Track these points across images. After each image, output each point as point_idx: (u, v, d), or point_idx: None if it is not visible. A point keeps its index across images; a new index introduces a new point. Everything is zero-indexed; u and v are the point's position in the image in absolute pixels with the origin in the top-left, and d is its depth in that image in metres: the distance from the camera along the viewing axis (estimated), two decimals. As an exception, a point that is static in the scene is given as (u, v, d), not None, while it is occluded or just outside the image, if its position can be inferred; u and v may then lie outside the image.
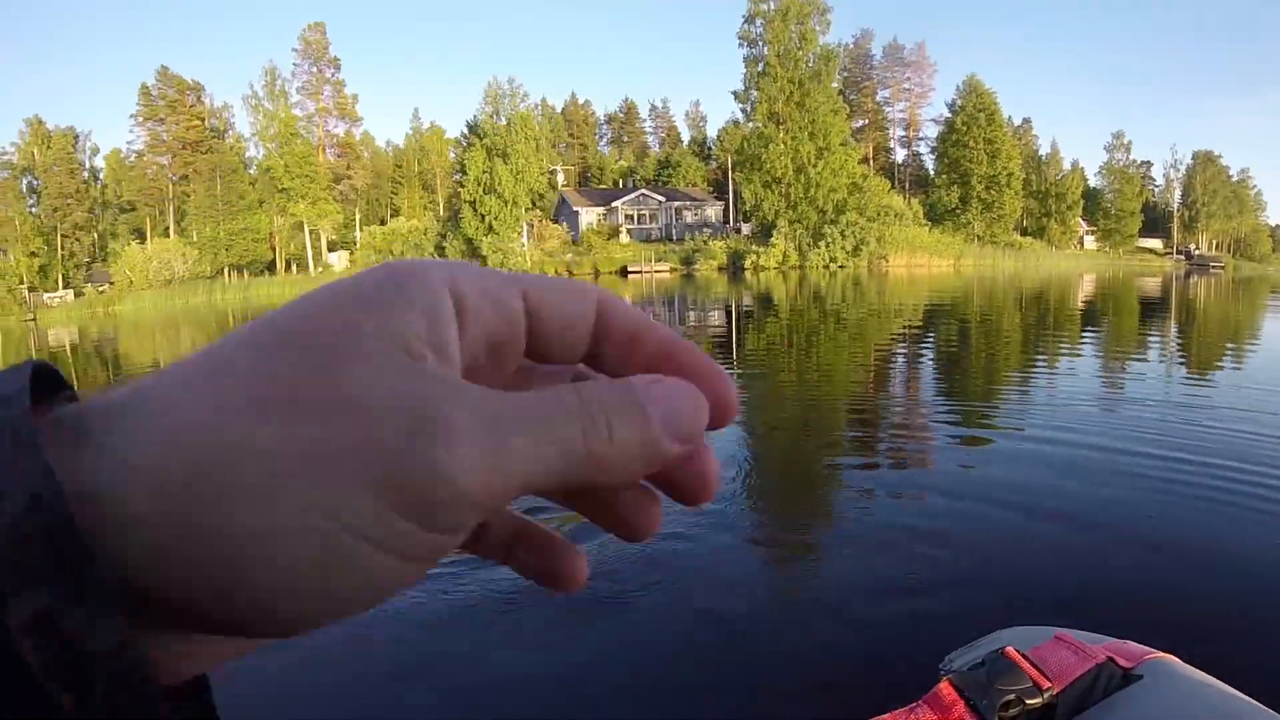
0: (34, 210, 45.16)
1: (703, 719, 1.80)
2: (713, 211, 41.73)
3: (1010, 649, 0.97)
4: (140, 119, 45.40)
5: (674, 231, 40.18)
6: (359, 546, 0.17)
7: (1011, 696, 0.90)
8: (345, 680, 2.00)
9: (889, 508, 3.22)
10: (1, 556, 0.15)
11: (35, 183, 46.17)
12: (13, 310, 36.35)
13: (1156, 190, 55.27)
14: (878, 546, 2.75)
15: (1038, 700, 0.89)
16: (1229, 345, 9.26)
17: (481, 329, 0.20)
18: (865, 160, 42.70)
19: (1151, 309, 14.95)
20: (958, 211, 42.39)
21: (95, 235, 46.41)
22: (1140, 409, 5.06)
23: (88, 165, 48.24)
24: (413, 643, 2.17)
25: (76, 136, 47.71)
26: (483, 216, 36.19)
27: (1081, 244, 48.88)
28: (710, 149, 49.04)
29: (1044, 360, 7.77)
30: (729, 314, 15.49)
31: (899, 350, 9.06)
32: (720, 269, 36.49)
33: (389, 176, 49.47)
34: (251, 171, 43.62)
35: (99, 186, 47.72)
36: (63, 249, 44.53)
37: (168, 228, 44.09)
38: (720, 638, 2.15)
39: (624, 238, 38.63)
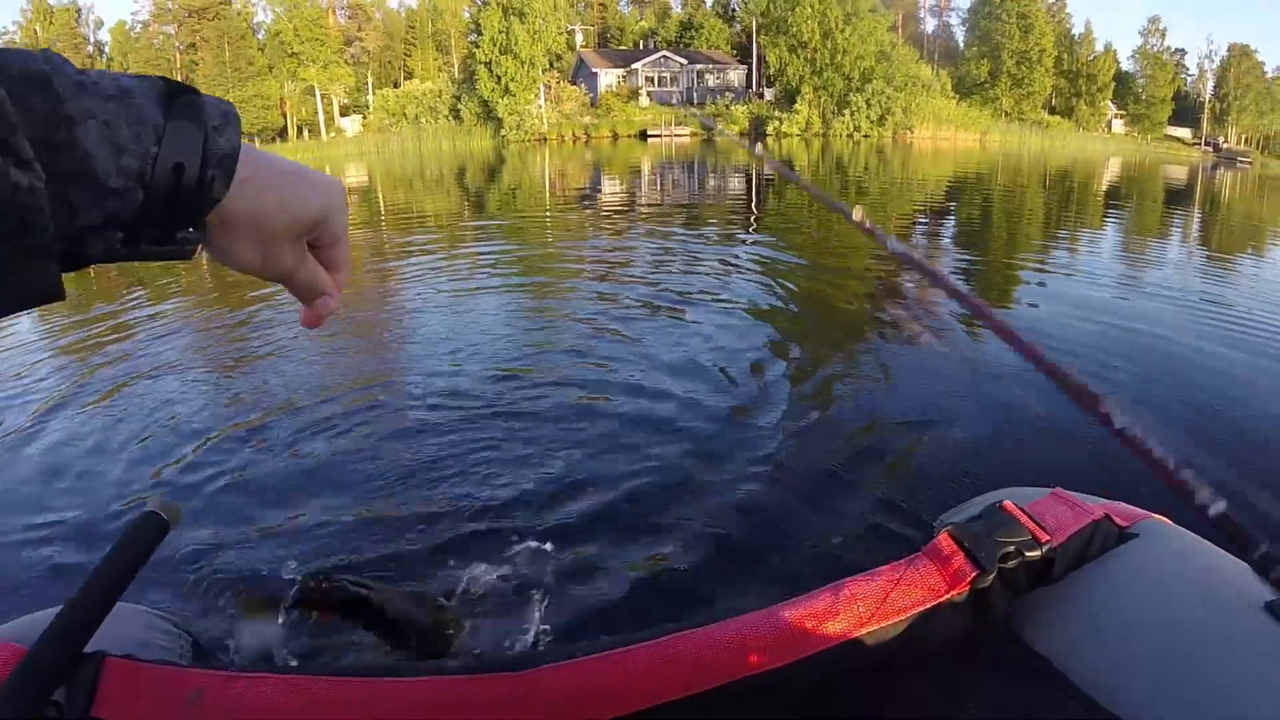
0: (38, 89, 44.17)
1: (694, 575, 1.78)
2: (735, 76, 40.37)
3: (1008, 502, 0.94)
4: (144, -12, 43.95)
5: (695, 95, 39.02)
6: (286, 230, 0.44)
7: (1011, 548, 0.88)
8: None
9: (893, 377, 3.22)
10: (225, 145, 0.39)
11: (38, 60, 45.13)
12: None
13: (1189, 80, 53.28)
14: (876, 414, 2.76)
15: (1036, 553, 0.88)
16: (1251, 239, 9.23)
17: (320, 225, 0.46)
18: (894, 28, 41.12)
19: (1177, 198, 14.73)
20: (986, 86, 41.16)
21: (102, 111, 45.50)
22: (1157, 291, 5.17)
23: (92, 39, 47.02)
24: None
25: (79, 11, 46.40)
26: (499, 78, 35.20)
27: (1110, 128, 47.57)
28: (734, 11, 46.88)
29: (1064, 241, 7.78)
30: (749, 180, 15.08)
31: (919, 222, 8.96)
32: (742, 134, 35.65)
33: (401, 38, 47.79)
34: (260, 37, 42.38)
35: (105, 60, 46.50)
36: (69, 127, 43.74)
37: (176, 98, 43.05)
38: (713, 499, 2.13)
39: (644, 100, 37.49)
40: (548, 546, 1.89)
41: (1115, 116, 47.95)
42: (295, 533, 2.01)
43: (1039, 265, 6.14)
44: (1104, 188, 15.85)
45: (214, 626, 1.61)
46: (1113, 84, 45.44)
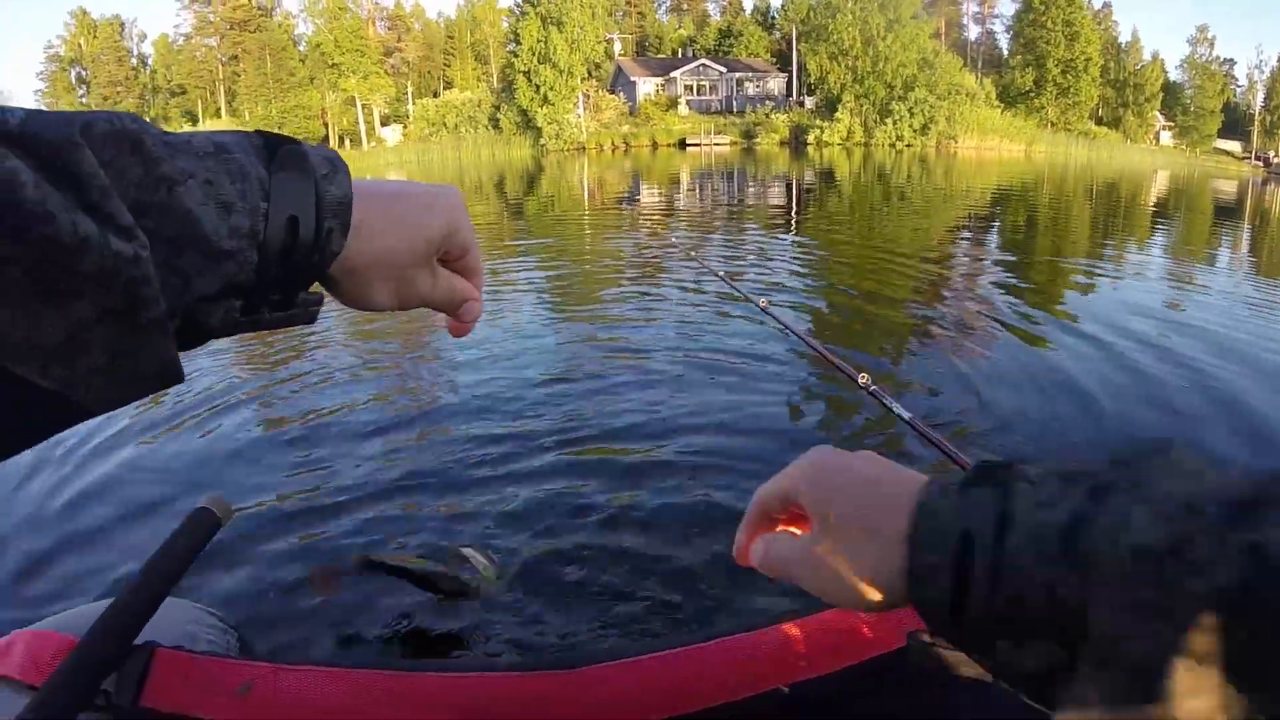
0: (84, 100, 45.22)
1: (742, 580, 1.70)
2: (775, 84, 40.03)
3: None
4: (187, 2, 44.79)
5: (735, 103, 38.69)
6: (414, 261, 0.42)
7: None
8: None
9: (931, 385, 3.10)
10: (338, 200, 0.37)
11: (84, 73, 46.25)
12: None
13: (1238, 91, 52.06)
14: (910, 431, 2.75)
15: None
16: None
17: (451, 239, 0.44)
18: (937, 35, 40.53)
19: (1225, 213, 14.09)
20: (1031, 95, 40.33)
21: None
22: (1204, 311, 4.81)
23: (136, 52, 48.11)
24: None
25: (123, 24, 47.46)
26: (537, 87, 35.18)
27: (1157, 139, 46.49)
28: (774, 18, 46.74)
29: (1110, 255, 7.42)
30: (789, 189, 14.97)
31: (963, 234, 8.71)
32: (782, 143, 35.32)
33: (441, 48, 48.18)
34: (301, 48, 43.04)
35: (148, 72, 47.50)
36: (114, 138, 44.58)
37: (219, 109, 43.77)
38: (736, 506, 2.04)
39: (683, 109, 37.37)
40: (597, 545, 1.87)
41: (1164, 128, 46.86)
42: (345, 532, 2.00)
43: (1084, 279, 5.82)
44: (1151, 201, 15.34)
45: (260, 624, 1.61)
46: (1160, 94, 44.41)
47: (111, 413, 2.41)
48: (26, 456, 2.46)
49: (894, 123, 34.99)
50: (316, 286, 0.39)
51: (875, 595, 0.38)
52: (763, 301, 1.91)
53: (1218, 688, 0.25)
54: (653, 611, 1.64)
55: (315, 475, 2.34)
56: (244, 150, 0.35)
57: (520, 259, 6.63)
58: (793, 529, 0.44)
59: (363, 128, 41.32)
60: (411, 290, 0.43)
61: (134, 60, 47.60)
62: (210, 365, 3.49)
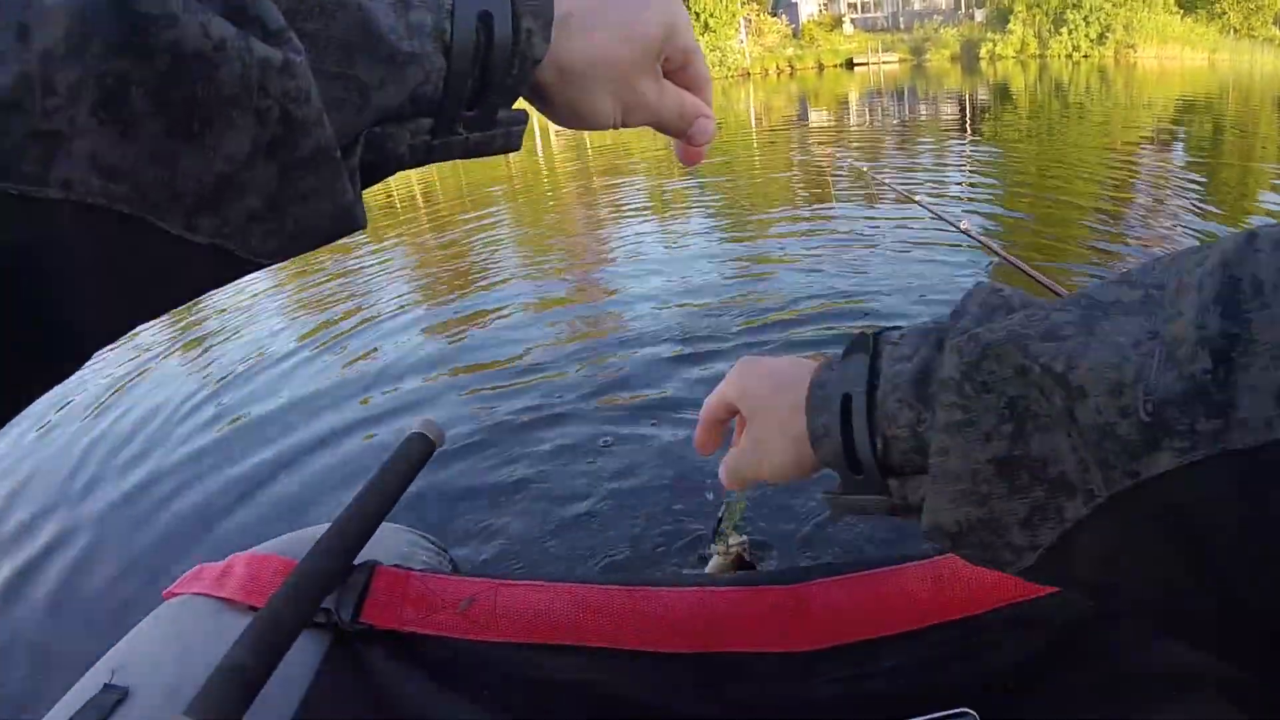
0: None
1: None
2: (943, -3, 38.92)
3: None
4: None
5: (901, 20, 37.56)
6: (635, 63, 0.36)
7: None
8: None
9: None
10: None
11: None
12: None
13: None
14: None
15: None
16: None
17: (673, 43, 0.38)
18: (1110, -62, 38.55)
19: None
20: (1211, -1, 37.98)
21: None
22: None
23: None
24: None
25: None
26: (697, 14, 34.93)
27: (1347, 45, 43.15)
28: (939, -71, 45.54)
29: None
30: (963, 106, 14.51)
31: (1149, 148, 8.16)
32: (953, 59, 34.24)
33: (594, -16, 48.65)
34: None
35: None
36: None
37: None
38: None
39: (847, 28, 36.55)
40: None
41: (1354, 31, 43.44)
42: (541, 459, 2.07)
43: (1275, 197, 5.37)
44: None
45: (469, 551, 1.67)
46: (1350, -5, 41.12)
47: (310, 347, 3.20)
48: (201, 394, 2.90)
49: (1069, 32, 33.48)
50: (521, 104, 0.34)
51: (800, 465, 0.43)
52: (963, 223, 1.96)
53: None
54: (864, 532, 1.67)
55: (511, 405, 2.45)
56: None
57: (691, 180, 6.81)
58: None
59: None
60: (638, 99, 0.37)
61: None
62: (404, 304, 3.81)
